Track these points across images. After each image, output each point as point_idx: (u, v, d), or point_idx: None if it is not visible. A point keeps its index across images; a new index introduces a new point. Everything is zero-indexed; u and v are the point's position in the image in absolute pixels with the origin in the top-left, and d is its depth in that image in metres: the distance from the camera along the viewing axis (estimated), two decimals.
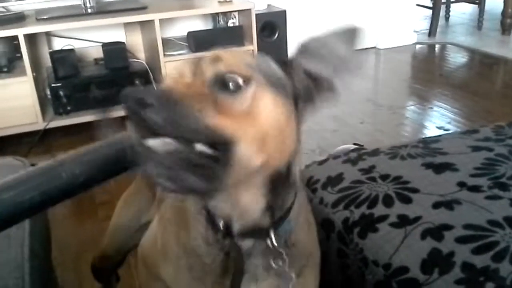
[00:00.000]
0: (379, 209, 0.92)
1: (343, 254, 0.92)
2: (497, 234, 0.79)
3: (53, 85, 2.62)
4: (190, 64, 0.60)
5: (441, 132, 2.50)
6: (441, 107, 2.87)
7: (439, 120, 2.70)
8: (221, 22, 3.03)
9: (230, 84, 0.56)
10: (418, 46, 4.08)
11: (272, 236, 0.65)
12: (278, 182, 0.63)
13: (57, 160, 0.50)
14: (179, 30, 3.09)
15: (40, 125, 2.59)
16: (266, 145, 0.56)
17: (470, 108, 2.86)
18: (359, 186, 1.00)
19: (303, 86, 0.64)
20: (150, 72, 2.85)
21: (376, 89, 3.33)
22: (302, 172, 1.14)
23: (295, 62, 0.65)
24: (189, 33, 2.88)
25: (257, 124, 0.56)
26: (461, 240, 0.80)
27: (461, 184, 0.94)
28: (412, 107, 2.92)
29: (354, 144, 1.54)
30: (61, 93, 2.62)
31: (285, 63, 0.64)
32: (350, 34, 0.67)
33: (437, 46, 4.10)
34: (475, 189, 0.92)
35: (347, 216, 0.94)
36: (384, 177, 1.01)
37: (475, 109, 2.84)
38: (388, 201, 0.93)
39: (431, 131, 2.56)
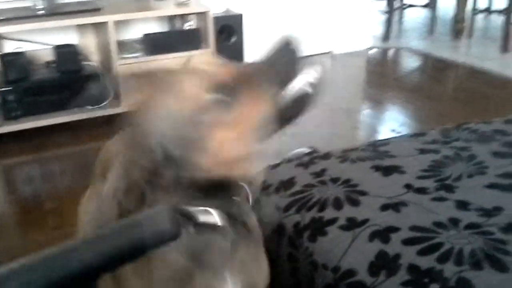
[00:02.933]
0: (329, 213, 0.92)
1: (293, 258, 0.92)
2: (442, 236, 0.81)
3: (2, 89, 2.52)
4: None
5: (395, 134, 2.55)
6: (394, 110, 2.94)
7: (392, 123, 2.76)
8: (178, 25, 3.00)
9: None
10: (372, 50, 4.16)
11: None
12: None
13: (70, 244, 0.46)
14: (135, 32, 3.03)
15: None
16: None
17: (422, 111, 2.93)
18: (310, 189, 1.00)
19: None
20: (103, 75, 2.79)
21: (332, 93, 3.37)
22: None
23: None
24: (145, 36, 2.83)
25: None
26: (407, 242, 0.81)
27: (408, 186, 0.96)
28: (367, 111, 2.97)
29: (309, 147, 1.55)
30: (11, 97, 2.52)
31: None
32: None
33: (391, 51, 4.20)
34: (422, 191, 0.94)
35: (297, 220, 0.94)
36: (335, 180, 1.01)
37: (427, 112, 2.91)
38: (337, 204, 0.94)
39: (385, 134, 2.61)
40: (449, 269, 0.74)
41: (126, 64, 2.74)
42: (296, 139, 2.51)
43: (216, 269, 0.72)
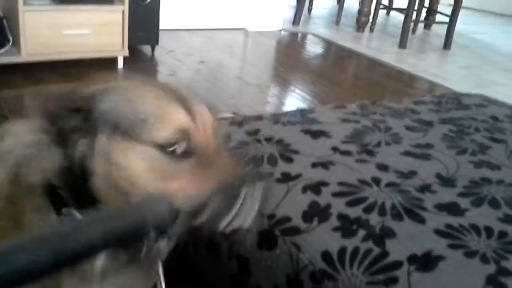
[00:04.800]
0: (265, 167, 0.97)
1: None
2: (366, 191, 0.90)
3: None
4: (187, 115, 0.62)
5: None
6: (301, 90, 3.07)
7: (299, 102, 2.89)
8: None
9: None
10: (283, 32, 4.29)
11: None
12: None
13: (76, 224, 0.46)
14: None
15: None
16: None
17: (325, 94, 3.11)
18: (246, 146, 1.05)
19: None
20: (4, 21, 2.58)
21: (244, 68, 3.43)
22: None
23: None
24: None
25: None
26: (336, 194, 0.89)
27: (335, 149, 1.05)
28: (277, 88, 3.08)
29: (233, 113, 1.60)
30: None
31: None
32: None
33: (299, 35, 4.36)
34: (347, 153, 1.03)
35: None
36: (268, 139, 1.07)
37: (330, 95, 3.09)
38: (272, 161, 0.99)
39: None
40: (374, 219, 0.83)
41: (32, 11, 2.56)
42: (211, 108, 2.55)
43: (87, 280, 0.68)
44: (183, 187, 0.60)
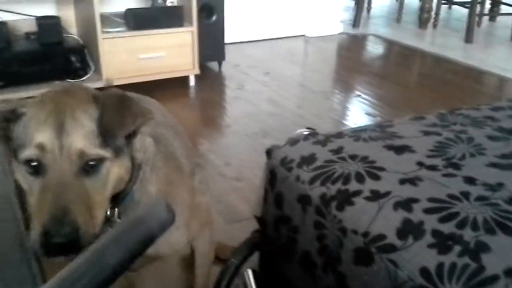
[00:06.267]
0: (353, 185, 1.03)
1: (320, 225, 1.02)
2: (457, 206, 0.93)
3: None
4: (54, 137, 0.74)
5: (371, 118, 2.70)
6: (367, 95, 3.08)
7: (366, 107, 2.91)
8: (160, 0, 3.01)
9: (91, 167, 0.76)
10: (343, 35, 4.30)
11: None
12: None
13: (98, 250, 0.51)
14: (116, 6, 3.02)
15: None
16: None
17: (392, 96, 3.10)
18: (332, 164, 1.10)
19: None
20: (84, 48, 2.78)
21: (307, 76, 3.48)
22: (276, 152, 1.22)
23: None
24: (127, 10, 2.83)
25: (107, 189, 0.79)
26: (428, 211, 0.93)
27: (420, 164, 1.08)
28: (342, 94, 3.11)
29: (307, 128, 1.65)
30: None
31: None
32: None
33: (360, 36, 4.35)
34: (433, 168, 1.06)
35: (324, 192, 1.04)
36: (353, 157, 1.12)
37: (396, 97, 3.08)
38: (360, 178, 1.04)
39: (361, 116, 2.75)
40: (468, 234, 0.86)
41: (109, 38, 2.74)
42: (279, 120, 2.63)
43: None
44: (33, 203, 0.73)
